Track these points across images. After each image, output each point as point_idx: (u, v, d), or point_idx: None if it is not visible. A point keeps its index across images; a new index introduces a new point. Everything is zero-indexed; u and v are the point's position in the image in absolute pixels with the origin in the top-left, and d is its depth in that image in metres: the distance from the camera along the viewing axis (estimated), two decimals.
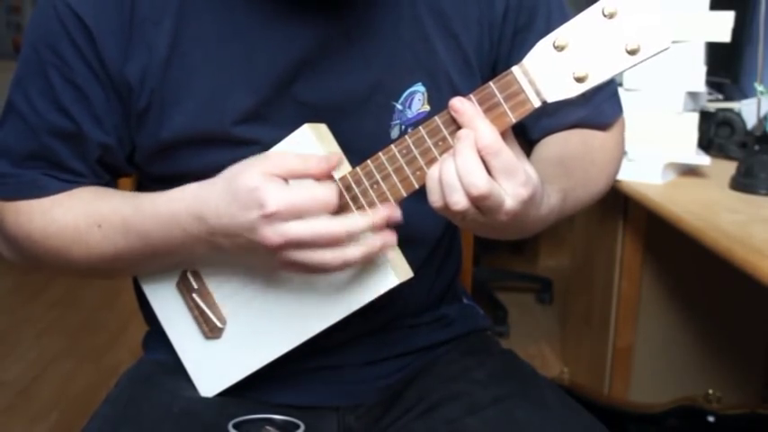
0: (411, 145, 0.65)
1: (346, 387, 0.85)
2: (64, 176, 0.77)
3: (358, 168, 0.68)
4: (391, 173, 0.66)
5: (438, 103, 0.78)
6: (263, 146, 0.71)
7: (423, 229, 0.82)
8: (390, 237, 0.67)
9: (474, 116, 0.61)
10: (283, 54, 0.73)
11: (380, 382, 0.86)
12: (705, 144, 1.54)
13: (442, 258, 0.90)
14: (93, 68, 0.73)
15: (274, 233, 0.64)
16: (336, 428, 0.84)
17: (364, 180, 0.67)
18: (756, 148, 1.32)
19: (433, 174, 0.63)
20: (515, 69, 0.61)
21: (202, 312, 0.78)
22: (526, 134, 0.86)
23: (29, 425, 1.95)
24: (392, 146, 0.66)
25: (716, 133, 1.56)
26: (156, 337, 0.85)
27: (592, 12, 0.58)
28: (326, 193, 0.65)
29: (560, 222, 0.75)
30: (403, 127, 0.78)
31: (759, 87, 1.45)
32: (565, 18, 0.60)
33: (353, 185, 0.68)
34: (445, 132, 0.64)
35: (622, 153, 0.91)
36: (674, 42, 0.57)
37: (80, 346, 2.38)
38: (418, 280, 0.73)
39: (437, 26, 0.78)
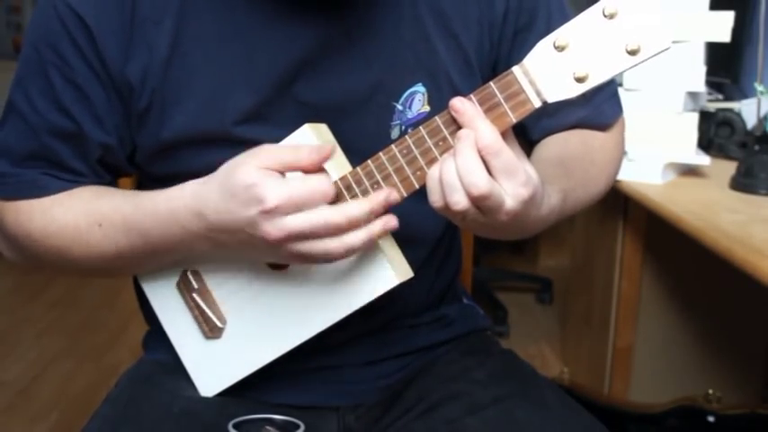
0: (411, 145, 0.65)
1: (346, 387, 0.85)
2: (64, 176, 0.77)
3: (358, 168, 0.68)
4: (392, 173, 0.66)
5: (438, 103, 0.78)
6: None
7: (423, 229, 0.82)
8: (390, 219, 0.66)
9: (474, 116, 0.61)
10: (284, 54, 0.73)
11: (380, 382, 0.86)
12: (705, 144, 1.54)
13: (442, 258, 0.90)
14: (94, 68, 0.73)
15: (275, 228, 0.64)
16: (336, 428, 0.84)
17: (365, 180, 0.67)
18: (756, 148, 1.32)
19: (433, 174, 0.63)
20: (516, 69, 0.61)
21: (202, 312, 0.78)
22: (526, 134, 0.86)
23: (29, 425, 1.95)
24: (392, 146, 0.66)
25: (716, 133, 1.56)
26: (157, 336, 0.86)
27: (592, 12, 0.58)
28: (323, 184, 0.65)
29: (560, 222, 0.75)
30: (403, 127, 0.78)
31: (759, 87, 1.45)
32: (565, 18, 0.60)
33: (354, 185, 0.68)
34: (446, 132, 0.64)
35: (622, 153, 0.92)
36: (674, 42, 0.57)
37: (80, 345, 2.38)
38: (418, 280, 0.73)
39: (438, 26, 0.78)
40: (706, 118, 1.55)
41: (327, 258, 0.66)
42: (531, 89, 0.61)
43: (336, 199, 0.66)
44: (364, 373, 0.86)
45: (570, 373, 1.71)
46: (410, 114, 0.78)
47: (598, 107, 0.86)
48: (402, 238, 0.70)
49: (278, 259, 0.69)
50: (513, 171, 0.61)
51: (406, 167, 0.66)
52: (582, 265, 1.98)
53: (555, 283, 2.75)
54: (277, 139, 0.70)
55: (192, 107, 0.73)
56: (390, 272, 0.70)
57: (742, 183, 1.28)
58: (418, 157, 0.65)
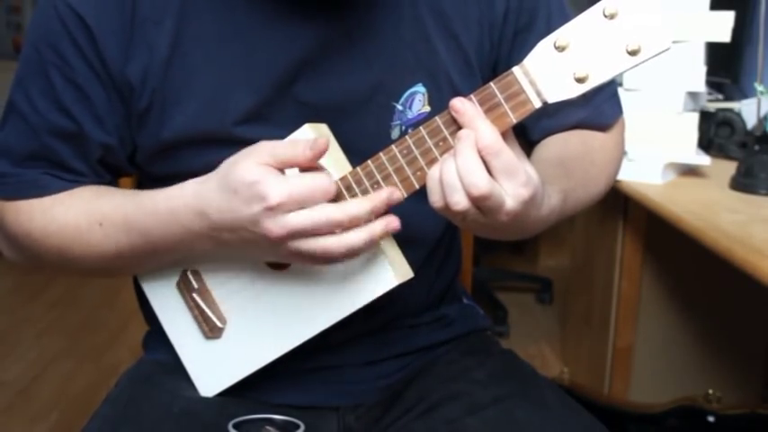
0: (412, 145, 0.65)
1: (346, 387, 0.85)
2: (65, 176, 0.77)
3: (359, 168, 0.68)
4: (392, 173, 0.66)
5: (438, 103, 0.78)
6: None
7: (423, 229, 0.82)
8: (392, 220, 0.66)
9: (475, 116, 0.61)
10: (284, 54, 0.73)
11: (380, 382, 0.86)
12: (705, 144, 1.54)
13: (442, 258, 0.91)
14: (95, 68, 0.73)
15: (276, 225, 0.64)
16: (336, 428, 0.84)
17: (365, 180, 0.67)
18: (756, 148, 1.32)
19: (433, 174, 0.63)
20: (516, 70, 0.61)
21: (202, 312, 0.78)
22: (526, 135, 0.86)
23: (29, 425, 1.95)
24: (393, 146, 0.66)
25: (716, 133, 1.56)
26: (156, 336, 0.86)
27: (592, 12, 0.58)
28: (325, 181, 0.65)
29: (560, 222, 0.75)
30: (403, 127, 0.78)
31: (759, 87, 1.45)
32: (565, 19, 0.60)
33: (354, 185, 0.68)
34: (446, 133, 0.64)
35: (622, 153, 0.92)
36: (674, 42, 0.57)
37: (80, 345, 2.38)
38: (418, 280, 0.73)
39: (438, 27, 0.78)
40: (706, 118, 1.55)
41: (327, 257, 0.66)
42: (531, 89, 0.61)
43: (337, 198, 0.66)
44: (364, 373, 0.86)
45: (570, 373, 1.71)
46: (410, 114, 0.78)
47: (598, 107, 0.86)
48: (402, 238, 0.70)
49: (278, 258, 0.69)
50: (514, 171, 0.61)
51: (407, 168, 0.66)
52: (582, 265, 1.98)
53: (555, 283, 2.75)
54: (278, 139, 0.70)
55: (192, 107, 0.73)
56: (390, 272, 0.70)
57: (742, 183, 1.28)
58: (418, 157, 0.65)
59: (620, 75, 0.60)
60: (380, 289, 0.71)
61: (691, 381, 1.71)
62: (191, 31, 0.73)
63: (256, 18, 0.73)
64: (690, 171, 1.44)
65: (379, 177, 0.67)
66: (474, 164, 0.60)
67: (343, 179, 0.68)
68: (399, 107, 0.78)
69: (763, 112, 1.44)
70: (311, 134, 0.69)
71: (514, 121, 0.62)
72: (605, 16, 0.57)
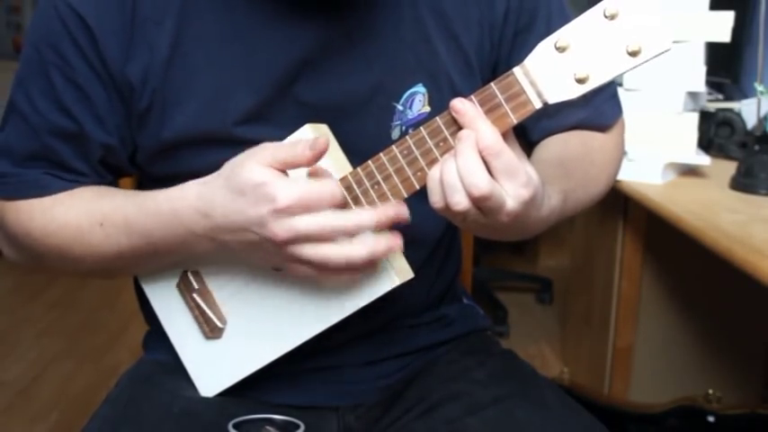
0: (412, 146, 0.65)
1: (346, 387, 0.85)
2: (66, 176, 0.77)
3: (359, 169, 0.68)
4: (392, 173, 0.66)
5: (439, 104, 0.78)
6: None
7: (423, 229, 0.82)
8: (396, 241, 0.66)
9: (475, 117, 0.61)
10: (284, 54, 0.73)
11: (380, 382, 0.86)
12: (705, 144, 1.54)
13: (443, 259, 0.91)
14: (95, 68, 0.73)
15: (282, 227, 0.64)
16: (336, 428, 0.84)
17: (365, 180, 0.67)
18: (756, 148, 1.32)
19: (434, 174, 0.63)
20: (517, 70, 0.61)
21: (203, 312, 0.78)
22: (526, 135, 0.86)
23: (29, 425, 1.95)
24: (393, 146, 0.66)
25: (716, 133, 1.56)
26: (157, 337, 0.86)
27: (593, 13, 0.58)
28: (333, 187, 0.65)
29: (560, 223, 0.75)
30: (404, 128, 0.78)
31: (759, 87, 1.45)
32: (565, 20, 0.60)
33: (354, 186, 0.68)
34: (446, 133, 0.64)
35: (622, 154, 0.92)
36: (674, 42, 0.57)
37: (80, 346, 2.38)
38: (418, 280, 0.73)
39: (438, 27, 0.78)
40: (706, 118, 1.55)
41: (324, 266, 0.66)
42: (531, 90, 0.61)
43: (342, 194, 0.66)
44: (364, 373, 0.86)
45: (570, 373, 1.71)
46: (411, 115, 0.78)
47: (598, 108, 0.86)
48: (403, 238, 0.70)
49: (278, 262, 0.69)
50: (514, 172, 0.61)
51: (407, 168, 0.66)
52: (582, 265, 1.98)
53: (555, 283, 2.75)
54: (278, 140, 0.70)
55: (192, 107, 0.73)
56: (391, 273, 0.70)
57: (742, 183, 1.28)
58: (419, 157, 0.65)
59: (620, 75, 0.60)
60: (381, 289, 0.71)
61: (691, 381, 1.71)
62: (191, 31, 0.73)
63: (257, 18, 0.73)
64: (690, 171, 1.44)
65: (379, 178, 0.67)
66: (475, 164, 0.60)
67: (343, 179, 0.68)
68: (400, 107, 0.78)
69: (763, 112, 1.44)
70: (312, 134, 0.69)
71: (515, 121, 0.62)
72: (606, 17, 0.57)
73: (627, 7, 0.57)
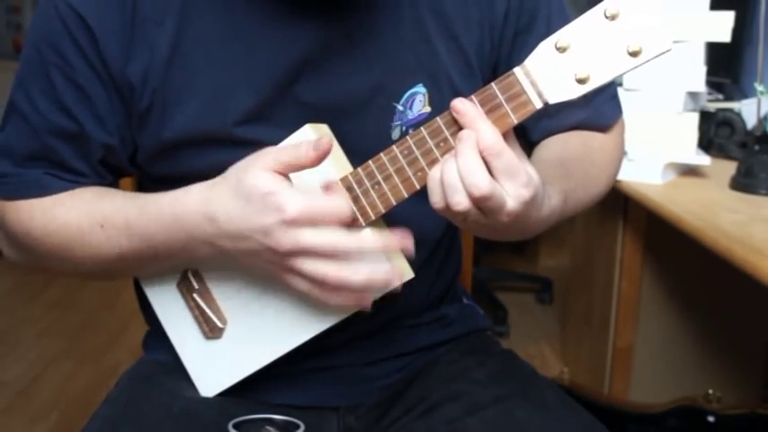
0: (412, 146, 0.65)
1: (346, 387, 0.85)
2: (66, 176, 0.77)
3: (359, 169, 0.68)
4: (393, 173, 0.66)
5: (439, 104, 0.78)
6: (265, 146, 0.71)
7: (423, 229, 0.82)
8: (395, 276, 0.66)
9: (476, 117, 0.61)
10: (284, 54, 0.73)
11: (381, 382, 0.86)
12: (705, 144, 1.54)
13: (443, 259, 0.91)
14: (96, 68, 0.73)
15: (287, 238, 0.64)
16: (336, 428, 0.84)
17: (366, 180, 0.67)
18: (756, 148, 1.32)
19: (434, 174, 0.63)
20: (517, 70, 0.61)
21: (203, 312, 0.78)
22: (526, 136, 0.86)
23: (29, 425, 1.95)
24: (393, 146, 0.66)
25: (716, 133, 1.56)
26: (156, 337, 0.86)
27: (594, 13, 0.58)
28: (342, 205, 0.65)
29: (560, 223, 0.75)
30: (404, 128, 0.78)
31: (759, 87, 1.45)
32: (565, 20, 0.60)
33: (355, 186, 0.68)
34: (447, 133, 0.64)
35: (622, 154, 0.92)
36: (674, 42, 0.57)
37: (80, 346, 2.38)
38: (418, 280, 0.73)
39: (438, 28, 0.78)
40: (706, 118, 1.55)
41: (322, 283, 0.66)
42: (532, 90, 0.61)
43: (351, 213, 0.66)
44: (364, 373, 0.86)
45: (570, 373, 1.71)
46: (411, 115, 0.78)
47: (598, 108, 0.86)
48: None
49: (274, 272, 0.69)
50: (515, 172, 0.61)
51: (407, 168, 0.66)
52: (582, 265, 1.98)
53: (555, 283, 2.75)
54: (278, 140, 0.70)
55: (193, 107, 0.73)
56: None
57: (742, 183, 1.28)
58: (419, 157, 0.65)
59: (621, 75, 0.60)
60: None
61: (691, 381, 1.71)
62: (192, 31, 0.73)
63: (257, 18, 0.73)
64: (690, 171, 1.44)
65: (380, 178, 0.67)
66: (475, 164, 0.60)
67: (344, 179, 0.68)
68: (400, 108, 0.78)
69: (763, 112, 1.44)
70: (312, 134, 0.69)
71: (515, 121, 0.62)
72: (606, 17, 0.57)
73: (627, 7, 0.57)
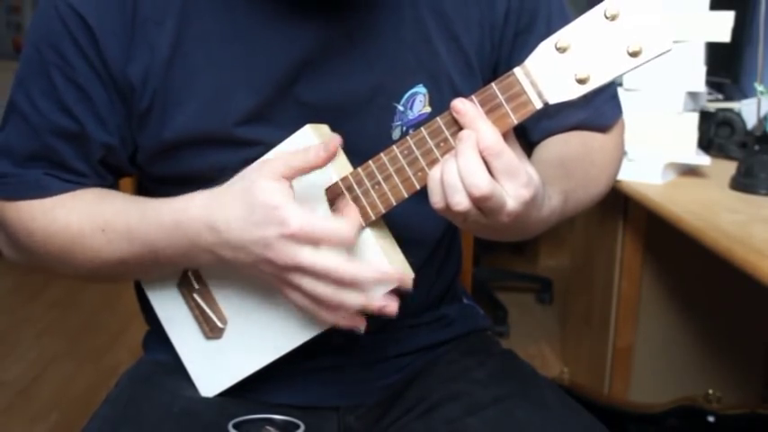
0: (413, 146, 0.65)
1: (346, 387, 0.85)
2: (66, 177, 0.77)
3: (359, 169, 0.68)
4: (393, 173, 0.66)
5: (439, 104, 0.78)
6: (265, 146, 0.71)
7: (423, 229, 0.82)
8: (392, 307, 0.67)
9: (476, 117, 0.61)
10: (284, 54, 0.73)
11: (380, 382, 0.86)
12: (705, 144, 1.54)
13: (443, 259, 0.91)
14: (96, 68, 0.73)
15: (285, 253, 0.64)
16: (336, 428, 0.84)
17: (366, 181, 0.67)
18: (756, 148, 1.32)
19: (434, 174, 0.63)
20: (517, 71, 0.61)
21: (203, 312, 0.78)
22: (526, 136, 0.86)
23: (29, 425, 1.95)
24: (394, 147, 0.66)
25: (716, 133, 1.56)
26: (157, 337, 0.86)
27: (594, 13, 0.58)
28: (347, 230, 0.65)
29: (560, 223, 0.75)
30: (404, 128, 0.78)
31: (759, 87, 1.45)
32: (565, 20, 0.60)
33: (355, 186, 0.68)
34: (447, 133, 0.64)
35: (622, 154, 0.92)
36: (674, 42, 0.57)
37: (80, 346, 2.38)
38: (418, 280, 0.73)
39: (439, 28, 0.78)
40: (706, 118, 1.55)
41: (318, 302, 0.66)
42: (532, 90, 0.61)
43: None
44: (364, 373, 0.86)
45: (570, 373, 1.71)
46: (411, 115, 0.78)
47: (598, 109, 0.86)
48: (403, 238, 0.70)
49: (274, 285, 0.69)
50: (515, 172, 0.61)
51: (407, 168, 0.66)
52: (582, 265, 1.98)
53: (555, 283, 2.75)
54: (278, 140, 0.70)
55: (193, 108, 0.73)
56: None
57: (742, 183, 1.28)
58: (419, 157, 0.65)
59: (621, 75, 0.60)
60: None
61: (691, 381, 1.71)
62: (192, 31, 0.73)
63: (257, 18, 0.73)
64: (690, 171, 1.44)
65: (380, 178, 0.67)
66: (475, 164, 0.60)
67: (344, 179, 0.68)
68: (400, 108, 0.78)
69: (763, 112, 1.44)
70: (312, 134, 0.69)
71: (516, 121, 0.62)
72: (606, 17, 0.57)
73: (627, 8, 0.57)
